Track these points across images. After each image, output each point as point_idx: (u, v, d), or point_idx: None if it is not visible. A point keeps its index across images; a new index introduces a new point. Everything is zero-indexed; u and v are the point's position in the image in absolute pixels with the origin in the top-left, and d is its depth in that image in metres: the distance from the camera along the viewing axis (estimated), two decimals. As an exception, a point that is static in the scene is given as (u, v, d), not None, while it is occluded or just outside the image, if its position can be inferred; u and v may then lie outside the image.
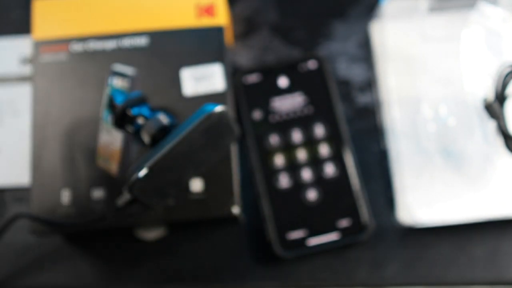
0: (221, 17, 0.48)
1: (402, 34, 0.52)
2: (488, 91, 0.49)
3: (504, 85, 0.47)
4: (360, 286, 0.48)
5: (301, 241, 0.47)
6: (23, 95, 0.53)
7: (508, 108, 0.48)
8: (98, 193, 0.45)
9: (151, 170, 0.38)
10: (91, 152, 0.46)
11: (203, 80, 0.47)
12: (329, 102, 0.51)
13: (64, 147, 0.46)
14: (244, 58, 0.54)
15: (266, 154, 0.50)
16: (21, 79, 0.54)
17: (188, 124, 0.39)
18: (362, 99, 0.52)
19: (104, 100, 0.47)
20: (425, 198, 0.48)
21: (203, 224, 0.49)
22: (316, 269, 0.47)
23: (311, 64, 0.52)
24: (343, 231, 0.47)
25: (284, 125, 0.50)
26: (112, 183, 0.45)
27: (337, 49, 0.54)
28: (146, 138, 0.42)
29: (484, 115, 0.49)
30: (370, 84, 0.53)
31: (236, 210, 0.45)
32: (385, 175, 0.50)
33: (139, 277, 0.48)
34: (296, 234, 0.47)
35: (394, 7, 0.52)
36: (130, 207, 0.41)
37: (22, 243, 0.49)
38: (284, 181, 0.49)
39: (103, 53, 0.48)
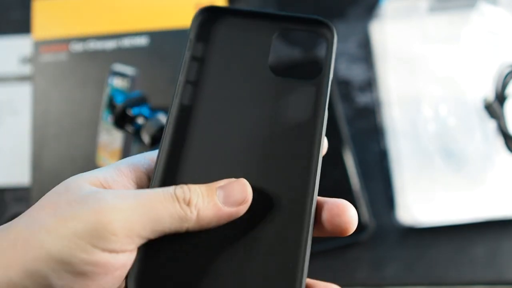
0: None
1: (402, 34, 0.52)
2: (488, 91, 0.49)
3: (504, 85, 0.47)
4: (360, 286, 0.48)
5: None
6: (22, 94, 0.53)
7: (508, 108, 0.48)
8: (98, 193, 0.45)
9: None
10: (91, 152, 0.46)
11: (203, 80, 0.47)
12: (329, 102, 0.51)
13: (64, 147, 0.46)
14: (244, 58, 0.54)
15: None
16: (21, 79, 0.54)
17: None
18: (362, 99, 0.52)
19: (104, 100, 0.47)
20: (425, 198, 0.48)
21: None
22: (316, 269, 0.47)
23: (311, 64, 0.52)
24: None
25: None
26: (112, 183, 0.45)
27: (337, 49, 0.54)
28: (146, 138, 0.42)
29: (484, 115, 0.49)
30: (370, 84, 0.53)
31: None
32: (385, 175, 0.50)
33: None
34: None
35: (394, 7, 0.52)
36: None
37: (22, 243, 0.49)
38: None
39: (103, 53, 0.48)
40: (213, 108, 0.26)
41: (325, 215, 0.24)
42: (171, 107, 0.25)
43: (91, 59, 0.48)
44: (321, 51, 0.54)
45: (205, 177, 0.24)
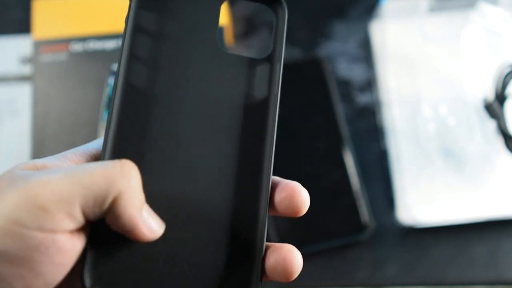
0: (221, 17, 0.48)
1: (402, 34, 0.52)
2: (488, 91, 0.49)
3: (504, 85, 0.47)
4: (360, 286, 0.48)
5: (301, 241, 0.47)
6: (23, 94, 0.53)
7: (508, 108, 0.48)
8: (98, 193, 0.45)
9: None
10: (91, 152, 0.46)
11: (203, 80, 0.47)
12: (329, 102, 0.51)
13: (64, 147, 0.46)
14: (244, 58, 0.54)
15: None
16: (21, 78, 0.54)
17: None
18: (362, 99, 0.52)
19: (104, 100, 0.47)
20: (425, 198, 0.48)
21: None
22: (316, 269, 0.47)
23: (311, 64, 0.52)
24: (343, 231, 0.47)
25: (284, 125, 0.50)
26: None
27: (337, 49, 0.54)
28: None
29: (484, 115, 0.49)
30: (370, 84, 0.53)
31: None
32: (385, 175, 0.50)
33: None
34: (296, 234, 0.47)
35: (394, 7, 0.52)
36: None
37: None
38: (284, 181, 0.49)
39: (103, 53, 0.48)
40: (158, 87, 0.24)
41: (278, 197, 0.24)
42: (115, 85, 0.24)
43: (91, 59, 0.48)
44: (320, 51, 0.54)
45: (151, 162, 0.23)
